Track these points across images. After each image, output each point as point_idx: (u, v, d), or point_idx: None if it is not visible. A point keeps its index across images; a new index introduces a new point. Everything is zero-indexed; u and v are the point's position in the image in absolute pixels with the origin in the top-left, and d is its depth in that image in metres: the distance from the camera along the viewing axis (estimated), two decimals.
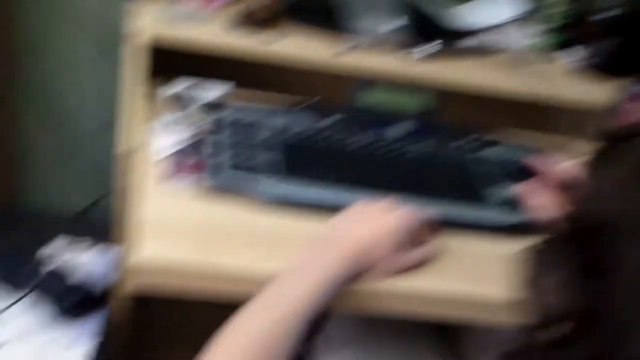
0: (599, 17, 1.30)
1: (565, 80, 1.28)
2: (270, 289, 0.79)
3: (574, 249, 0.57)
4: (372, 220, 0.86)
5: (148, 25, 1.08)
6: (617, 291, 0.53)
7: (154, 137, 1.00)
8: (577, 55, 1.32)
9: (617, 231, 0.53)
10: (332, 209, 0.90)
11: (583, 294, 0.55)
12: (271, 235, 0.89)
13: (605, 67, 1.30)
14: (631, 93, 1.18)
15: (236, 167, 0.95)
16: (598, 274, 0.54)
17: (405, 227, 0.87)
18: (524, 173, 0.97)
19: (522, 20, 1.31)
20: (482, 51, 1.28)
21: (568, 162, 0.93)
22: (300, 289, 0.78)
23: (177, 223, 0.87)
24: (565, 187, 0.92)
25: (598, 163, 0.61)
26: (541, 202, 0.91)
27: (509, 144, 1.17)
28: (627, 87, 1.19)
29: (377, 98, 1.12)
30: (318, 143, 1.06)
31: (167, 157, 0.95)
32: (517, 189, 0.95)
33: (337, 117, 1.11)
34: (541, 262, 0.61)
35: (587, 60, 1.31)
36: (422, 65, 1.18)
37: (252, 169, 0.95)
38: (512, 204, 1.02)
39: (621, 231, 0.53)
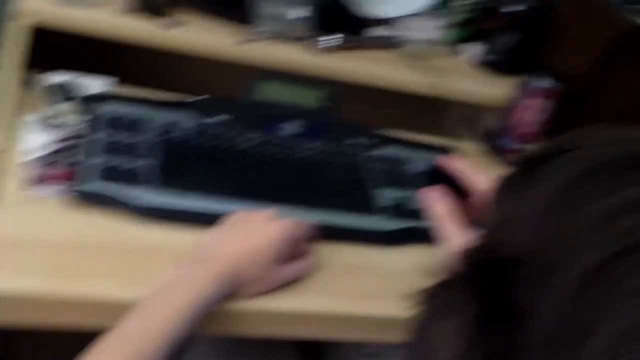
0: (504, 11, 1.34)
1: (465, 76, 1.31)
2: (129, 318, 0.72)
3: (475, 291, 0.47)
4: (250, 232, 0.81)
5: (34, 4, 0.99)
6: (531, 345, 0.42)
7: (24, 134, 0.90)
8: (479, 50, 1.37)
9: (532, 270, 0.44)
10: (211, 220, 0.85)
11: (484, 347, 0.45)
12: (143, 253, 0.82)
13: (501, 63, 1.36)
14: (528, 90, 1.23)
15: (107, 176, 0.87)
16: (506, 323, 0.44)
17: (286, 239, 0.82)
18: (434, 175, 0.82)
19: (429, 12, 1.32)
20: (388, 43, 1.28)
21: (483, 175, 0.78)
22: (162, 315, 0.71)
23: (34, 242, 0.79)
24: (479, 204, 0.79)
25: (509, 188, 0.51)
26: (445, 211, 0.74)
27: (407, 142, 1.16)
28: (524, 84, 1.24)
29: (274, 92, 1.07)
30: (202, 145, 0.99)
31: (33, 161, 0.86)
32: (423, 193, 0.78)
33: (228, 114, 1.04)
34: (434, 309, 0.50)
35: (485, 56, 1.36)
36: (324, 57, 1.15)
37: (125, 178, 0.88)
38: (404, 207, 1.01)
39: (538, 269, 0.43)
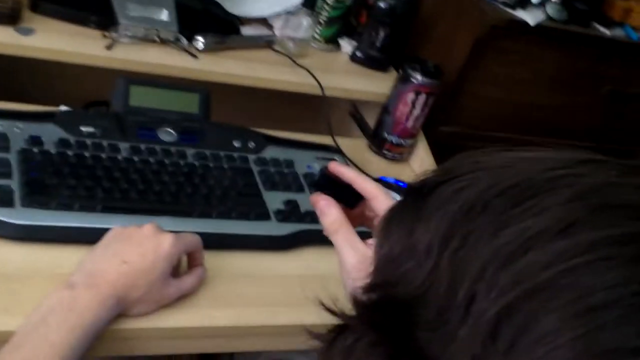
0: (372, 6, 1.33)
1: (342, 73, 1.29)
2: (8, 350, 0.65)
3: (377, 337, 0.42)
4: (132, 250, 0.74)
5: None
6: None
7: None
8: (353, 47, 1.35)
9: (433, 312, 0.39)
10: (86, 237, 0.79)
11: None
12: (13, 279, 0.74)
13: (371, 59, 1.35)
14: (404, 85, 1.20)
15: None
16: None
17: (171, 254, 0.76)
18: (323, 182, 0.76)
19: (303, 9, 1.29)
20: (262, 42, 1.24)
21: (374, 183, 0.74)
22: (47, 345, 0.65)
23: None
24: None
25: (395, 220, 0.46)
26: (336, 223, 0.70)
27: (291, 142, 1.11)
28: (400, 79, 1.21)
29: (146, 98, 1.00)
30: (69, 159, 0.88)
31: None
32: (313, 202, 0.73)
33: (97, 125, 0.95)
34: (334, 358, 0.44)
35: (355, 52, 1.35)
36: (197, 59, 1.10)
37: None
38: (296, 210, 0.97)
39: (440, 312, 0.39)
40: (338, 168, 0.75)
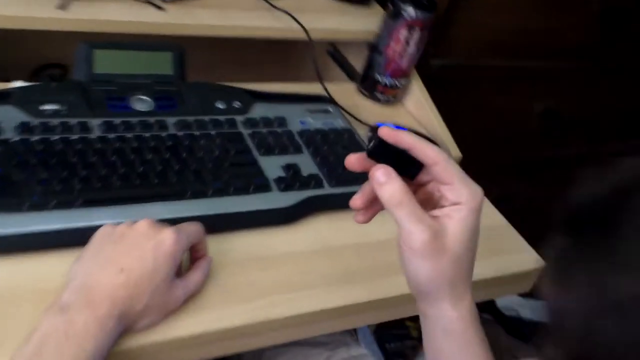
0: None
1: (323, 12, 1.18)
2: None
3: None
4: (127, 254, 0.63)
5: None
6: None
7: None
8: None
9: None
10: (71, 241, 0.68)
11: None
12: None
13: None
14: (394, 21, 1.09)
15: None
16: None
17: (176, 251, 0.65)
18: (379, 150, 0.63)
19: None
20: None
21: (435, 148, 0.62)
22: None
23: None
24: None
25: (570, 268, 0.37)
26: (398, 196, 0.59)
27: (279, 96, 0.99)
28: (389, 15, 1.10)
29: (112, 63, 0.88)
30: (33, 147, 0.76)
31: None
32: (372, 170, 0.61)
33: (60, 100, 0.83)
34: None
35: None
36: (163, 12, 0.99)
37: None
38: (298, 175, 0.86)
39: None
40: (393, 133, 0.63)
